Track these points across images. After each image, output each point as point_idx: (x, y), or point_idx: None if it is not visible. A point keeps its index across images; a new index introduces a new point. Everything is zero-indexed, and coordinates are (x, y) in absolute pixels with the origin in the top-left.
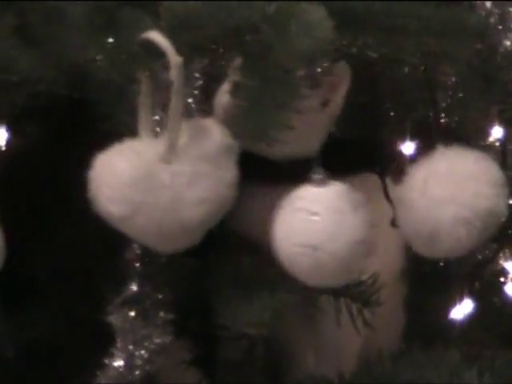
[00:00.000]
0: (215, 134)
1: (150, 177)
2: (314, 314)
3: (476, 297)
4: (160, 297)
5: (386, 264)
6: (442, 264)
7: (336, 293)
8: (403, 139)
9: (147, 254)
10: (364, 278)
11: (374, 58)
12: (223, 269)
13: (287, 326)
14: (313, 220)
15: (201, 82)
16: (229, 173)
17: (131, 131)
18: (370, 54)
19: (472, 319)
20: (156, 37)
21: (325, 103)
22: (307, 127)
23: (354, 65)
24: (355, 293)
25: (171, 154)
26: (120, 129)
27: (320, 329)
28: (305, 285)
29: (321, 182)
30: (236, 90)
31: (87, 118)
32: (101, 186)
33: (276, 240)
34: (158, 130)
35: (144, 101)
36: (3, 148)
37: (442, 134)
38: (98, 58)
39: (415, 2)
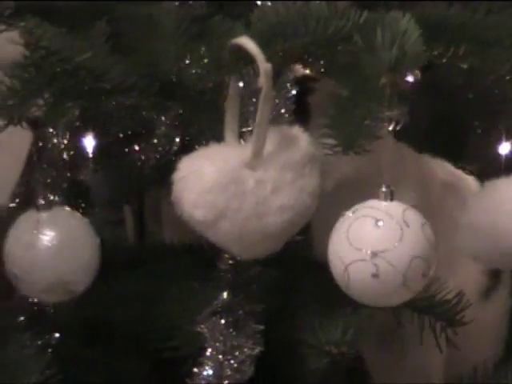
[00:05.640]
0: (301, 143)
1: (235, 182)
2: (398, 330)
3: None
4: (251, 307)
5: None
6: None
7: (420, 310)
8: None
9: (239, 265)
10: (449, 296)
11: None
12: (309, 283)
13: (371, 343)
14: (376, 226)
15: (293, 93)
16: (312, 182)
17: (217, 137)
18: (460, 64)
19: None
20: (246, 42)
21: None
22: None
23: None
24: (439, 311)
25: (257, 160)
26: (206, 134)
27: (404, 345)
28: None
29: (386, 196)
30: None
31: None
32: (185, 189)
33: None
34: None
35: (231, 106)
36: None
37: None
38: (190, 66)
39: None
